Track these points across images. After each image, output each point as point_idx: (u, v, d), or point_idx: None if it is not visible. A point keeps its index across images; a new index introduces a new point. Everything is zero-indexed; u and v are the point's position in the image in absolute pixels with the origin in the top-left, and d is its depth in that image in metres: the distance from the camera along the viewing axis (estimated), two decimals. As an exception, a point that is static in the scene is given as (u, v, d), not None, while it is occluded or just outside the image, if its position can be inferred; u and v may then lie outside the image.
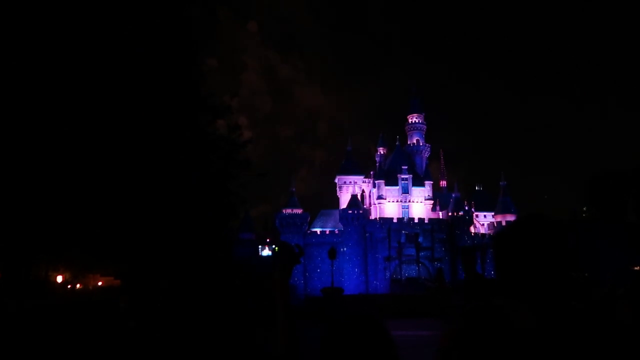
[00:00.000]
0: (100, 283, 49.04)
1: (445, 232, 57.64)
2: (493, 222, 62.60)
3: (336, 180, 64.51)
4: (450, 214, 59.00)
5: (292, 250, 2.11)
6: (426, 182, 60.56)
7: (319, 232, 59.06)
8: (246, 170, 18.12)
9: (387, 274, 55.12)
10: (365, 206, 61.30)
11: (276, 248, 2.15)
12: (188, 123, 15.63)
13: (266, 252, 61.21)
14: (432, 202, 61.01)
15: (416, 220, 57.12)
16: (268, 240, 66.29)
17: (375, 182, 60.48)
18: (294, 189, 63.58)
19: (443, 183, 70.43)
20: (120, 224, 14.76)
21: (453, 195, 65.60)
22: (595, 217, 56.89)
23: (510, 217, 60.84)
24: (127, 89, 9.91)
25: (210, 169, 17.54)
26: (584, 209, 58.87)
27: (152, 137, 11.29)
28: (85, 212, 12.02)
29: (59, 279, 23.83)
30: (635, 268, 49.82)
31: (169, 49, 11.28)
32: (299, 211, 59.45)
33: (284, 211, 59.30)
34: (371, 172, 62.97)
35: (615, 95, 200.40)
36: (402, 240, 55.96)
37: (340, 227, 58.76)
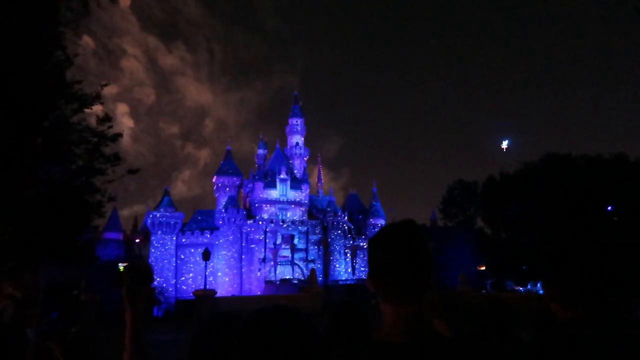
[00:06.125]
0: None
1: (320, 234, 59.52)
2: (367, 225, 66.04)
3: (214, 180, 63.02)
4: (325, 217, 61.08)
5: (140, 272, 1.89)
6: (303, 185, 61.96)
7: (193, 233, 57.15)
8: (115, 166, 16.87)
9: (262, 275, 55.26)
10: (243, 207, 60.76)
11: (121, 268, 1.95)
12: (48, 111, 14.09)
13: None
14: (308, 204, 62.60)
15: (292, 222, 58.15)
16: (138, 240, 62.39)
17: (254, 183, 60.32)
18: (168, 188, 60.73)
19: (320, 187, 72.75)
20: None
21: (328, 198, 68.04)
22: (450, 222, 63.23)
23: (380, 221, 64.89)
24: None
25: (74, 163, 16.01)
26: (441, 216, 65.03)
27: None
28: None
29: None
30: (480, 268, 56.40)
31: (26, 28, 10.10)
32: (173, 210, 56.95)
33: (156, 210, 56.30)
34: (251, 173, 62.67)
35: (472, 110, 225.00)
36: (278, 241, 56.55)
37: (217, 228, 57.54)
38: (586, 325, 1.36)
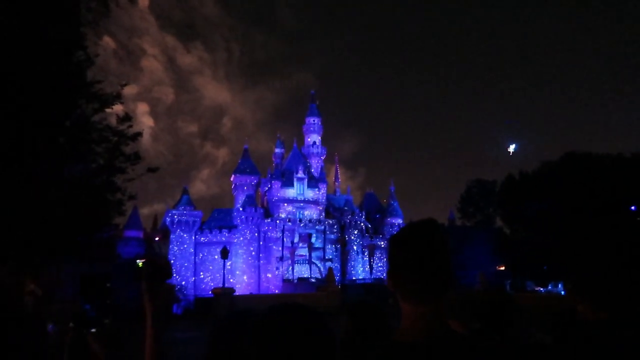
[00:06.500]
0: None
1: (338, 233, 59.52)
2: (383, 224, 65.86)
3: (232, 179, 63.51)
4: (342, 215, 61.06)
5: (158, 267, 1.86)
6: (321, 184, 62.01)
7: (212, 231, 57.68)
8: (135, 165, 17.08)
9: (280, 273, 55.50)
10: (260, 206, 61.14)
11: (140, 264, 1.98)
12: (69, 110, 14.35)
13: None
14: (326, 203, 62.65)
15: (310, 221, 58.25)
16: (157, 238, 63.26)
17: (272, 182, 60.60)
18: (186, 186, 61.38)
19: (337, 185, 72.76)
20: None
21: (345, 197, 68.01)
22: (468, 222, 62.61)
23: (397, 220, 64.60)
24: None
25: (95, 162, 16.27)
26: (459, 215, 64.42)
27: (24, 125, 10.21)
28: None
29: None
30: (499, 268, 55.73)
31: (49, 30, 10.30)
32: (192, 209, 57.59)
33: (175, 209, 57.02)
34: (268, 172, 63.00)
35: (490, 110, 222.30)
36: (296, 240, 56.70)
37: (235, 226, 57.98)
38: (613, 325, 1.33)
